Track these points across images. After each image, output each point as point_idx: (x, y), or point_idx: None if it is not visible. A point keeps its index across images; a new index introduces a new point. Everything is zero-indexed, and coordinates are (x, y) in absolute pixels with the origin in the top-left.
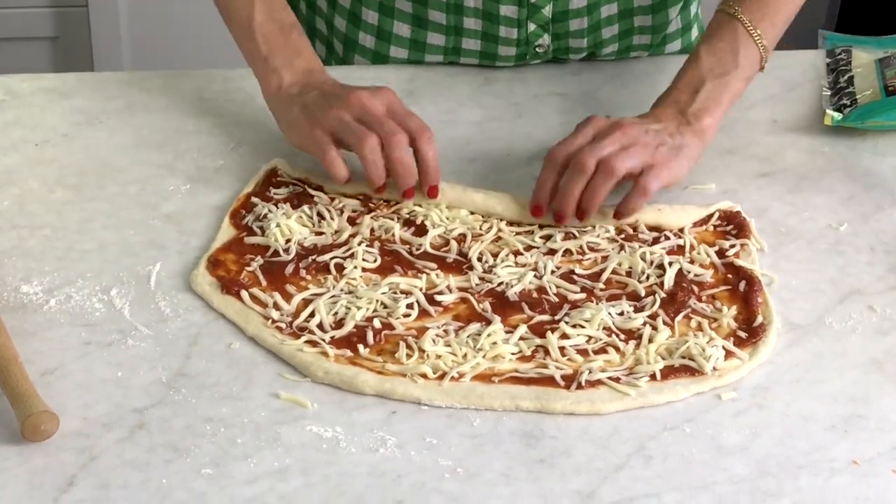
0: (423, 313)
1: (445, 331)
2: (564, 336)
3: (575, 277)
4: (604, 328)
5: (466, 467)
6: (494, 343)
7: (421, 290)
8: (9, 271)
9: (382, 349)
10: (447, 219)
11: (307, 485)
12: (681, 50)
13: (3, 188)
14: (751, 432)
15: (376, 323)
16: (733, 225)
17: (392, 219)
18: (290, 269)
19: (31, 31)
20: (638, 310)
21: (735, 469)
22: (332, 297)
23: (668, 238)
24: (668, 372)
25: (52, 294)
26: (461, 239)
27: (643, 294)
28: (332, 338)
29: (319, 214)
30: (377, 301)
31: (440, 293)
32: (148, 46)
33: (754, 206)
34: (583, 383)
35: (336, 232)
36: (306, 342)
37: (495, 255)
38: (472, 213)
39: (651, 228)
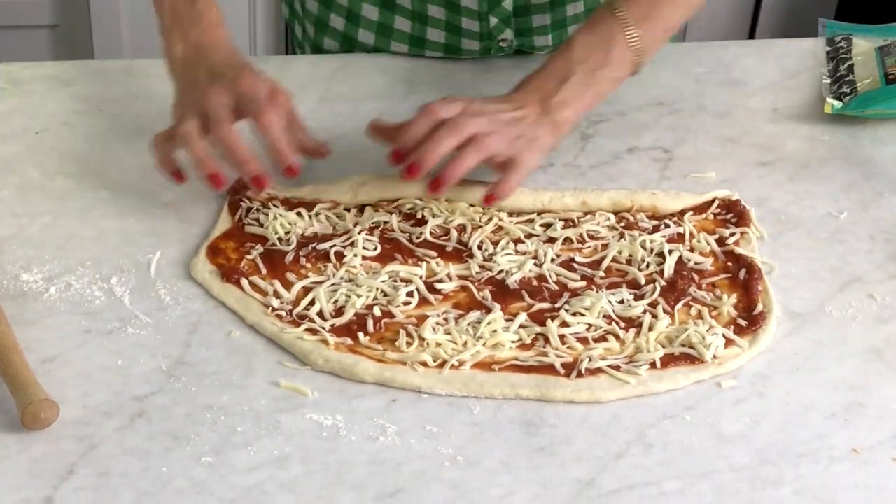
0: (423, 301)
1: (445, 319)
2: (564, 324)
3: (575, 265)
4: (604, 316)
5: (466, 455)
6: (494, 331)
7: (421, 278)
8: (9, 259)
9: (382, 337)
10: (447, 210)
11: (307, 473)
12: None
13: (4, 176)
14: (751, 420)
15: (376, 311)
16: (733, 213)
17: (392, 213)
18: (290, 257)
19: (31, 19)
20: (638, 298)
21: (735, 457)
22: (333, 285)
23: (667, 226)
24: (668, 360)
25: (52, 282)
26: (461, 229)
27: (643, 282)
28: (332, 326)
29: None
30: (377, 289)
31: (440, 281)
32: (148, 34)
33: (755, 194)
34: (583, 371)
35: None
36: (306, 330)
37: (495, 244)
38: (471, 205)
39: (645, 211)
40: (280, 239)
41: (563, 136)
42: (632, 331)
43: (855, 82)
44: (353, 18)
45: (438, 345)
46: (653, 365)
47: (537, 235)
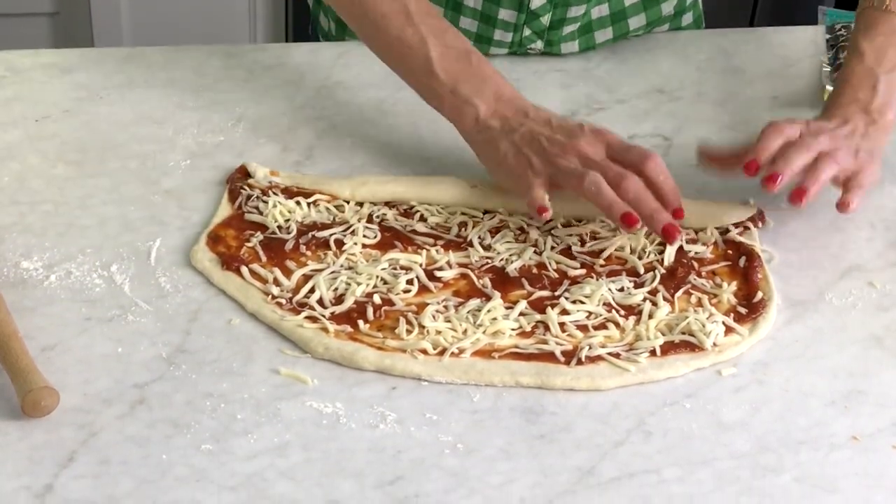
0: (423, 289)
1: (445, 306)
2: (564, 312)
3: (575, 253)
4: (604, 304)
5: (466, 443)
6: (494, 319)
7: (421, 265)
8: (9, 247)
9: (382, 325)
10: (446, 212)
11: (307, 460)
12: (670, 28)
13: (4, 164)
14: (751, 408)
15: (376, 299)
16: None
17: (391, 209)
18: (290, 245)
19: (31, 6)
20: (638, 285)
21: (735, 444)
22: (332, 272)
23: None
24: (669, 348)
25: (52, 270)
26: (462, 225)
27: (643, 270)
28: (332, 313)
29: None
30: (377, 277)
31: (440, 269)
32: (148, 22)
33: (755, 181)
34: (583, 359)
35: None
36: (306, 318)
37: (494, 234)
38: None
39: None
40: (280, 227)
41: (889, 137)
42: (632, 318)
43: None
44: None
45: (438, 332)
46: (653, 353)
47: (538, 227)
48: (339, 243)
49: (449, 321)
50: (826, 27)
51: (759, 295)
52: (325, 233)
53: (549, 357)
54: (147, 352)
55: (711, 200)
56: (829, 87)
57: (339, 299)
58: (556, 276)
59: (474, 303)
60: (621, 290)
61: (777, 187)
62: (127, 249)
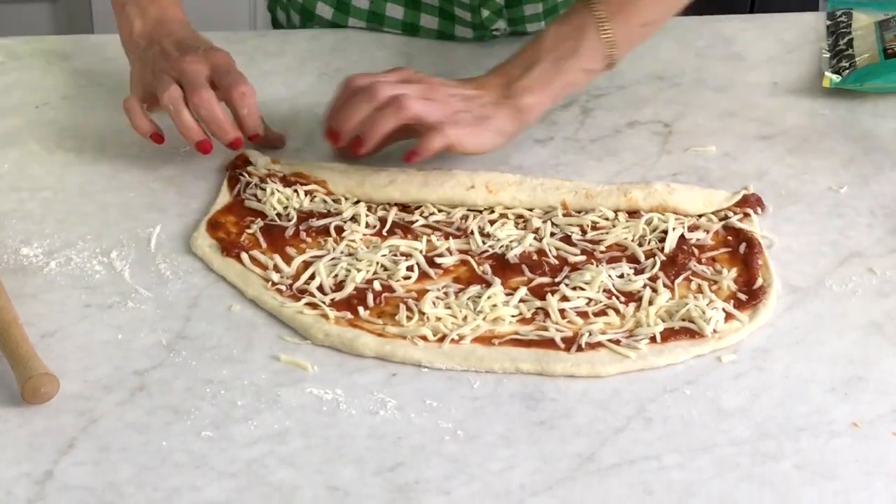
0: (424, 275)
1: (445, 293)
2: (564, 298)
3: (575, 240)
4: (604, 290)
5: (466, 429)
6: (494, 305)
7: (421, 252)
8: (9, 234)
9: (383, 311)
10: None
11: (307, 447)
12: None
13: (4, 150)
14: (751, 394)
15: (376, 285)
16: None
17: (390, 208)
18: (290, 231)
19: None
20: (638, 272)
21: (735, 431)
22: (333, 259)
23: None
24: (669, 334)
25: (52, 256)
26: (463, 217)
27: (643, 257)
28: (332, 300)
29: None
30: (377, 263)
31: (440, 255)
32: None
33: (754, 168)
34: (583, 345)
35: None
36: (306, 304)
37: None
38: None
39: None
40: (279, 215)
41: (527, 123)
42: (632, 305)
43: (854, 56)
44: (342, 7)
45: (438, 319)
46: (653, 339)
47: (539, 217)
48: (339, 230)
49: (449, 308)
50: (827, 13)
51: (760, 281)
52: (325, 221)
53: (549, 344)
54: (147, 338)
55: (710, 188)
56: (829, 73)
57: (339, 286)
58: (557, 262)
59: (474, 289)
60: (621, 276)
61: (339, 144)
62: (127, 236)
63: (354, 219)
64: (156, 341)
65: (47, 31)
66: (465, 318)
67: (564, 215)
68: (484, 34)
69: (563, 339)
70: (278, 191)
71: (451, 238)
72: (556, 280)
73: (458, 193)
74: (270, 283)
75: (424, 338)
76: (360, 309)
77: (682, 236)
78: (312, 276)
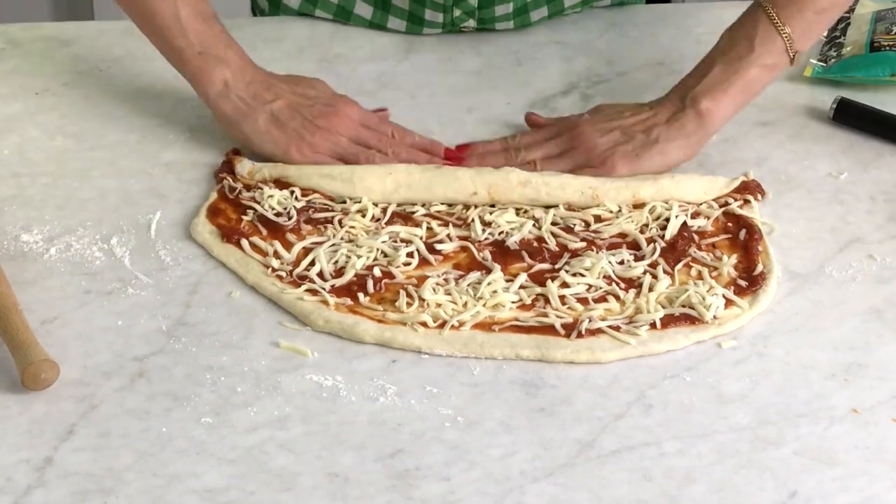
0: (424, 262)
1: (446, 279)
2: (565, 285)
3: (578, 231)
4: (604, 277)
5: (466, 416)
6: (495, 292)
7: (421, 238)
8: (9, 220)
9: (383, 298)
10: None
11: (307, 433)
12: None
13: (4, 136)
14: (751, 381)
15: (376, 271)
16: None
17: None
18: (290, 224)
19: None
20: (638, 258)
21: (735, 417)
22: (333, 245)
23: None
24: (669, 320)
25: (52, 243)
26: (465, 208)
27: (645, 243)
28: (332, 286)
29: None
30: (377, 250)
31: (440, 242)
32: None
33: (754, 153)
34: (583, 332)
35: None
36: (306, 291)
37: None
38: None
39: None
40: (278, 214)
41: (711, 126)
42: (632, 291)
43: (842, 46)
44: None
45: (438, 305)
46: (653, 325)
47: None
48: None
49: (449, 294)
50: None
51: (760, 268)
52: (326, 214)
53: (549, 330)
54: (147, 325)
55: (710, 174)
56: (813, 62)
57: (339, 272)
58: (557, 249)
59: (474, 276)
60: (621, 262)
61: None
62: (127, 222)
63: (360, 211)
64: (156, 327)
65: (48, 18)
66: (465, 305)
67: (567, 209)
68: (452, 30)
69: (564, 326)
70: (276, 194)
71: (451, 225)
72: (557, 266)
73: (460, 198)
74: (270, 269)
75: (424, 324)
76: (360, 295)
77: (683, 223)
78: (312, 263)
